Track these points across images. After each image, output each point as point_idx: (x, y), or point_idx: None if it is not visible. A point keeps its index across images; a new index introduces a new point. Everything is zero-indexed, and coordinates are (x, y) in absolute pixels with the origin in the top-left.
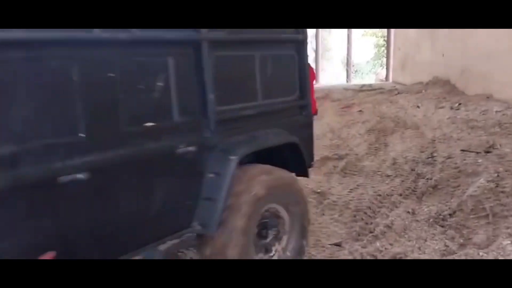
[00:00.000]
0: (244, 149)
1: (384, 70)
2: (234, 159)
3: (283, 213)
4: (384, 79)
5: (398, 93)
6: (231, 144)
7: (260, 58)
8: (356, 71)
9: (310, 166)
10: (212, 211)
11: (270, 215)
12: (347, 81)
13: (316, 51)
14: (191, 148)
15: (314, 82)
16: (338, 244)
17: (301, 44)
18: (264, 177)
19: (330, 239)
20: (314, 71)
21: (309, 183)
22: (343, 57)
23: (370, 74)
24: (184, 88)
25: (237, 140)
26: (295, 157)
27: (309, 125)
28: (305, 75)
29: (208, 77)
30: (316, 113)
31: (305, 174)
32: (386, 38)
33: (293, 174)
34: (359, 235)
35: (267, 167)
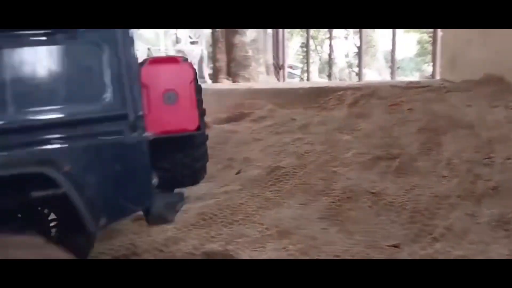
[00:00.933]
0: None
1: (430, 67)
2: None
3: None
4: (430, 76)
5: (448, 91)
6: None
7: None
8: (398, 67)
9: (159, 217)
10: None
11: None
12: (391, 78)
13: (360, 48)
14: None
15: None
16: (396, 246)
17: (115, 31)
18: None
19: (388, 240)
20: (203, 65)
21: (363, 183)
22: (386, 53)
23: (413, 71)
24: None
25: None
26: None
27: (137, 148)
28: (123, 72)
29: None
30: (198, 128)
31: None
32: (431, 34)
33: None
34: (417, 237)
35: None
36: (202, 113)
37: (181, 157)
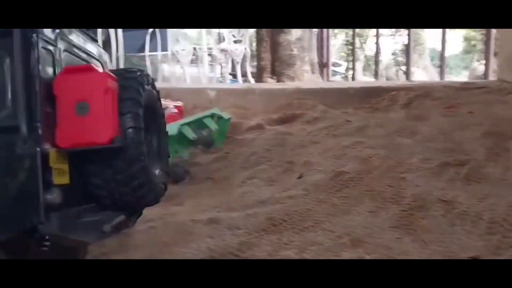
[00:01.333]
0: None
1: (479, 65)
2: None
3: None
4: (483, 76)
5: (509, 92)
6: None
7: None
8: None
9: (54, 236)
10: None
11: None
12: (440, 77)
13: (408, 46)
14: None
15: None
16: (476, 258)
17: (13, 41)
18: None
19: (466, 252)
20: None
21: (434, 190)
22: (432, 51)
23: (460, 69)
24: None
25: None
26: None
27: (26, 162)
28: (17, 82)
29: None
30: (110, 141)
31: None
32: (483, 31)
33: None
34: (498, 249)
35: None
36: (136, 126)
37: (111, 174)
